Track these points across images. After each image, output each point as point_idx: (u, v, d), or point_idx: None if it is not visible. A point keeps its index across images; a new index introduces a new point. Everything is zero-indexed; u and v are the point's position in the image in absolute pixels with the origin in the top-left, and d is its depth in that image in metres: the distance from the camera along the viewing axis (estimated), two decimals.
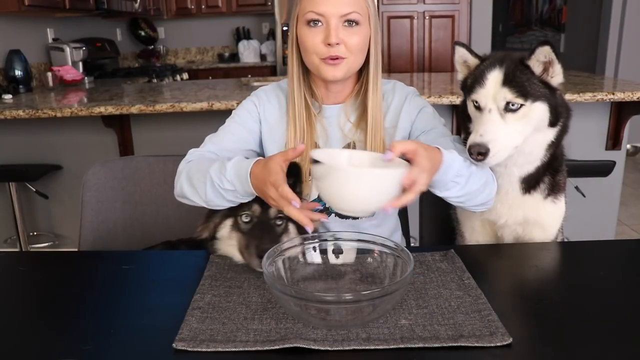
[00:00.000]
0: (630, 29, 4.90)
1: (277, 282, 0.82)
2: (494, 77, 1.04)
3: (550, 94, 1.04)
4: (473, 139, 1.03)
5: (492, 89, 1.03)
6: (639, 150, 5.10)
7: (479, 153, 1.01)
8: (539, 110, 1.03)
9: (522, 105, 1.02)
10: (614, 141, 2.66)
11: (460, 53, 1.14)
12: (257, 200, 1.04)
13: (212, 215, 1.11)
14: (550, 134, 1.08)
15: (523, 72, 1.03)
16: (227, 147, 1.21)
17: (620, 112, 2.60)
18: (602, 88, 2.50)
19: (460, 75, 1.16)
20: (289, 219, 1.04)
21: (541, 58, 1.02)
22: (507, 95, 1.02)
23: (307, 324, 0.81)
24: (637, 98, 2.34)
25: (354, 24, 1.13)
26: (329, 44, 1.12)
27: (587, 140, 2.66)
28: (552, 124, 1.06)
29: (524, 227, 1.19)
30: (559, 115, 1.06)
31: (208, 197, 1.05)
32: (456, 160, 0.99)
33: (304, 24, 1.15)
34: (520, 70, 1.03)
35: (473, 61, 1.13)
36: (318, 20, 1.13)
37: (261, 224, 1.04)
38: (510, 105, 1.02)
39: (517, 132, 1.03)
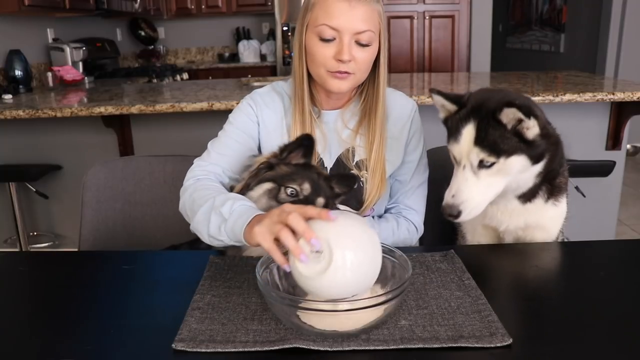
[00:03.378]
0: (630, 29, 4.90)
1: (271, 290, 0.80)
2: (467, 133, 1.01)
3: (526, 146, 1.00)
4: (446, 199, 1.02)
5: (466, 146, 1.01)
6: (639, 150, 5.10)
7: (449, 215, 1.01)
8: (515, 163, 1.00)
9: (494, 162, 0.99)
10: (614, 141, 2.66)
11: (436, 99, 1.10)
12: (310, 180, 1.01)
13: (255, 176, 1.07)
14: (537, 167, 1.05)
15: (495, 128, 0.98)
16: (231, 156, 1.20)
17: (620, 112, 2.60)
18: (602, 88, 2.50)
19: (441, 114, 1.13)
20: None
21: (510, 116, 0.97)
22: (480, 154, 0.99)
23: (303, 332, 0.79)
24: (637, 98, 2.34)
25: (365, 46, 1.13)
26: (339, 60, 1.11)
27: (587, 140, 2.66)
28: (535, 163, 1.03)
29: (525, 230, 1.19)
30: (543, 155, 1.03)
31: (196, 218, 1.03)
32: None
33: (315, 35, 1.13)
34: (492, 126, 0.98)
35: (451, 107, 1.09)
36: (332, 39, 1.11)
37: (305, 204, 0.96)
38: (484, 162, 1.00)
39: (492, 186, 1.02)
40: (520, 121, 0.98)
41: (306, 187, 1.02)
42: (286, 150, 1.07)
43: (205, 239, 1.02)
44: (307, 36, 1.15)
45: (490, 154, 0.99)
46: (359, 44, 1.12)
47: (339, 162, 1.24)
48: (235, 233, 0.93)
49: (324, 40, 1.12)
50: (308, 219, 0.80)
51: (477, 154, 1.00)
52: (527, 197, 1.13)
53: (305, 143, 1.06)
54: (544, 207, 1.15)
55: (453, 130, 1.04)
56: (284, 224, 0.79)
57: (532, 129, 0.99)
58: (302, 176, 1.02)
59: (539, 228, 1.18)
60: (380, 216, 1.31)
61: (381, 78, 1.20)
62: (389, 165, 1.25)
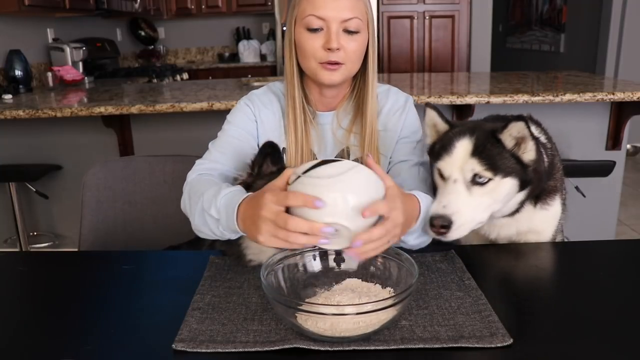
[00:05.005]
0: (630, 29, 4.90)
1: (275, 293, 0.80)
2: (463, 145, 0.97)
3: (521, 169, 0.98)
4: (436, 209, 0.96)
5: (460, 158, 0.97)
6: (639, 150, 5.10)
7: (441, 226, 0.95)
8: (508, 186, 0.98)
9: (490, 179, 0.96)
10: (614, 141, 2.66)
11: (430, 116, 1.07)
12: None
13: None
14: (520, 196, 1.03)
15: (494, 145, 0.96)
16: (233, 153, 1.18)
17: (620, 112, 2.61)
18: (602, 88, 2.50)
19: (428, 139, 1.09)
20: None
21: (514, 133, 0.95)
22: (476, 167, 0.95)
23: (309, 335, 0.79)
24: (637, 98, 2.34)
25: (354, 33, 1.12)
26: (328, 49, 1.11)
27: (587, 140, 2.66)
28: (520, 189, 1.01)
29: (518, 236, 1.18)
30: (529, 183, 1.01)
31: (195, 221, 1.02)
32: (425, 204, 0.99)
33: (303, 27, 1.13)
34: (491, 143, 0.96)
35: (442, 126, 1.06)
36: (319, 29, 1.12)
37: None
38: (477, 177, 0.96)
39: (482, 206, 0.98)
40: (518, 144, 0.96)
41: None
42: (255, 165, 1.07)
43: (214, 237, 1.03)
44: (296, 30, 1.16)
45: (488, 168, 0.95)
46: (348, 31, 1.12)
47: None
48: (232, 229, 0.93)
49: (312, 30, 1.12)
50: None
51: (473, 167, 0.95)
52: (513, 213, 1.08)
53: (268, 151, 1.05)
54: (533, 212, 1.13)
55: (444, 145, 1.00)
56: (284, 228, 0.79)
57: (529, 152, 0.97)
58: None
59: (530, 232, 1.16)
60: None
61: (369, 70, 1.20)
62: (384, 160, 1.24)
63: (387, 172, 1.24)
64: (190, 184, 1.11)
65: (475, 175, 0.96)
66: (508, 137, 0.96)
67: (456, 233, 0.96)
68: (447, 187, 0.98)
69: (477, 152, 0.96)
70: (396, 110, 1.25)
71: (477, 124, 1.03)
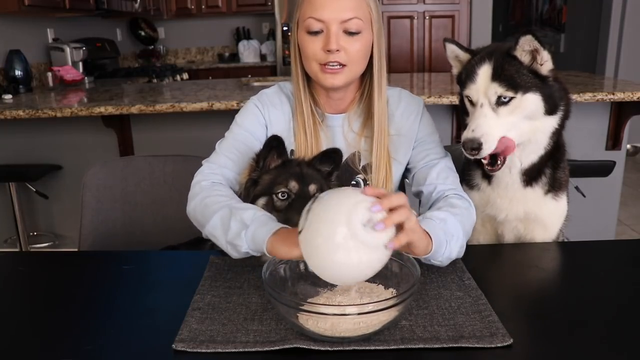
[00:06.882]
0: (630, 29, 4.90)
1: (277, 293, 0.79)
2: (484, 71, 1.05)
3: (541, 83, 1.05)
4: (466, 134, 1.05)
5: (483, 84, 1.05)
6: (639, 150, 5.10)
7: (472, 148, 1.04)
8: (531, 101, 1.05)
9: (512, 97, 1.03)
10: (614, 141, 2.66)
11: (451, 49, 1.15)
12: (294, 175, 1.02)
13: (246, 196, 1.07)
14: (552, 121, 1.09)
15: (511, 64, 1.04)
16: (240, 159, 1.17)
17: (620, 112, 2.61)
18: (602, 88, 2.50)
19: (454, 70, 1.17)
20: None
21: (526, 47, 1.03)
22: (497, 89, 1.03)
23: (309, 334, 0.79)
24: (637, 98, 2.34)
25: (355, 34, 1.11)
26: (328, 50, 1.10)
27: (587, 140, 2.66)
28: (549, 112, 1.07)
29: (525, 225, 1.19)
30: (556, 102, 1.07)
31: (227, 248, 0.99)
32: (438, 230, 0.95)
33: (304, 31, 1.13)
34: (508, 63, 1.04)
35: (464, 56, 1.14)
36: (319, 31, 1.11)
37: (300, 199, 0.98)
38: (502, 98, 1.04)
39: (510, 124, 1.05)
40: (534, 58, 1.03)
41: (293, 185, 1.02)
42: (260, 159, 1.07)
43: (223, 244, 0.99)
44: (298, 34, 1.15)
45: (508, 88, 1.03)
46: (348, 32, 1.11)
47: (345, 166, 1.21)
48: (257, 241, 0.91)
49: (312, 33, 1.12)
50: None
51: (495, 90, 1.03)
52: (530, 175, 1.14)
53: (274, 144, 1.05)
54: (543, 199, 1.16)
55: (468, 74, 1.08)
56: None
57: (546, 63, 1.04)
58: (285, 176, 1.03)
59: (538, 223, 1.18)
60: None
61: (375, 71, 1.18)
62: (396, 165, 1.22)
63: (412, 180, 1.23)
64: (207, 190, 1.07)
65: (499, 97, 1.04)
66: (522, 53, 1.04)
67: (487, 152, 1.05)
68: (475, 112, 1.07)
69: (497, 75, 1.04)
70: (410, 115, 1.24)
71: (496, 47, 1.11)
